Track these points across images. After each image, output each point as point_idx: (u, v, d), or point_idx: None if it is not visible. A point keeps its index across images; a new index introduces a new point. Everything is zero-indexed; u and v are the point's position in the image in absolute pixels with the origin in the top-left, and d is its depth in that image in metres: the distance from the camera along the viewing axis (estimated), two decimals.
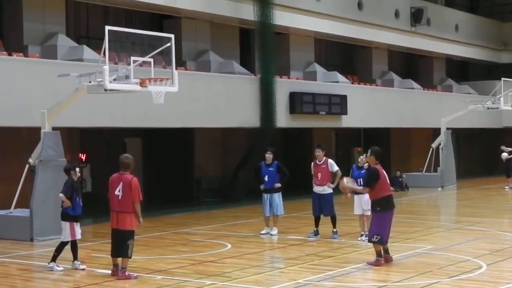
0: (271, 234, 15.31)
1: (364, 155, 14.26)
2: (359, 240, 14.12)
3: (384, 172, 11.72)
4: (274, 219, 15.47)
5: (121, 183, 10.73)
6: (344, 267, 11.49)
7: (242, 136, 24.86)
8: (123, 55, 14.07)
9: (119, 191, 10.72)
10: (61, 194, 11.60)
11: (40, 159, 15.15)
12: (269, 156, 15.27)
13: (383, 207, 11.48)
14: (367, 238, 14.00)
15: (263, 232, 15.45)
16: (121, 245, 10.73)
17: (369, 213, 13.72)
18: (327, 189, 14.68)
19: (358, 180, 14.05)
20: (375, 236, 11.48)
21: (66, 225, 11.60)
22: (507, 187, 27.30)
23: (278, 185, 15.24)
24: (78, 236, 11.62)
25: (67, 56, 19.00)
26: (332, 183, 14.75)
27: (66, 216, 11.60)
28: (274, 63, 23.65)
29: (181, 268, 11.61)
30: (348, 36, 29.07)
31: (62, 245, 11.64)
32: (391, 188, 12.05)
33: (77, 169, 11.78)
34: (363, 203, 14.02)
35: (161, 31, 20.34)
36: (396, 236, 14.52)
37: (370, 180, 11.61)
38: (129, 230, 10.76)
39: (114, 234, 10.86)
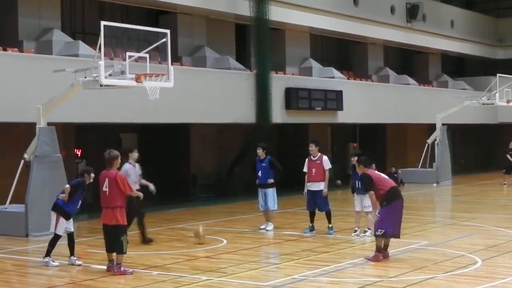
0: (267, 230, 15.33)
1: (356, 158, 14.26)
2: (352, 236, 14.13)
3: (376, 172, 12.03)
4: (269, 214, 15.49)
5: (107, 179, 10.76)
6: (340, 262, 11.51)
7: (238, 132, 24.85)
8: (118, 50, 14.04)
9: (105, 187, 10.76)
10: (67, 186, 11.59)
11: (36, 155, 15.13)
12: (259, 151, 15.32)
13: (387, 201, 11.53)
14: (366, 234, 14.08)
15: (262, 227, 15.56)
16: (114, 241, 10.74)
17: (369, 209, 13.74)
18: (321, 185, 14.67)
19: (358, 182, 14.02)
20: (379, 230, 11.48)
21: (53, 216, 11.58)
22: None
23: (271, 180, 15.27)
24: (60, 232, 11.54)
25: (63, 51, 18.96)
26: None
27: (57, 207, 11.58)
28: (269, 58, 23.64)
29: (177, 264, 11.61)
30: (344, 32, 29.07)
31: (55, 239, 11.60)
32: (392, 182, 12.01)
33: (92, 174, 11.72)
34: (364, 199, 13.99)
35: (157, 26, 20.29)
36: None
37: (367, 185, 11.83)
38: (120, 225, 10.74)
39: (105, 230, 10.89)
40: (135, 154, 13.70)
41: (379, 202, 11.64)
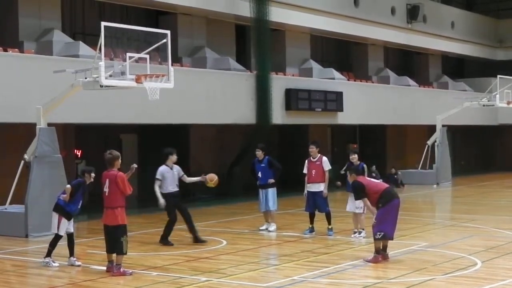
0: (269, 230, 15.34)
1: (355, 155, 14.42)
2: (352, 237, 14.14)
3: (367, 179, 12.21)
4: (270, 215, 15.51)
5: (107, 179, 10.78)
6: (339, 263, 11.50)
7: (238, 132, 24.85)
8: (119, 51, 14.05)
9: (106, 187, 10.79)
10: (68, 186, 11.61)
11: (35, 155, 15.13)
12: (258, 153, 15.36)
13: (383, 203, 11.54)
14: (360, 235, 14.10)
15: (262, 228, 15.53)
16: (114, 242, 10.75)
17: (361, 210, 13.74)
18: (321, 186, 14.68)
19: None
20: (378, 233, 11.47)
21: (55, 217, 11.58)
22: None
23: (272, 180, 15.29)
24: (62, 232, 11.56)
25: (63, 52, 18.96)
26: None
27: (58, 208, 11.58)
28: (270, 59, 23.65)
29: (176, 265, 11.61)
30: (344, 33, 29.08)
31: (56, 239, 11.61)
32: (384, 184, 12.15)
33: (92, 174, 11.72)
34: (356, 201, 13.98)
35: (157, 27, 20.32)
36: None
37: (359, 193, 11.87)
38: (120, 225, 10.73)
39: (105, 230, 10.91)
40: (174, 157, 13.73)
41: (376, 206, 11.64)
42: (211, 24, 24.77)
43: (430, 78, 35.95)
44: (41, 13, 19.84)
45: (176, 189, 13.64)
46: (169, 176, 13.55)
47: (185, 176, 13.82)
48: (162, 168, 13.60)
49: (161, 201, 13.42)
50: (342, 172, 14.29)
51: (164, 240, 13.63)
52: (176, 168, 13.72)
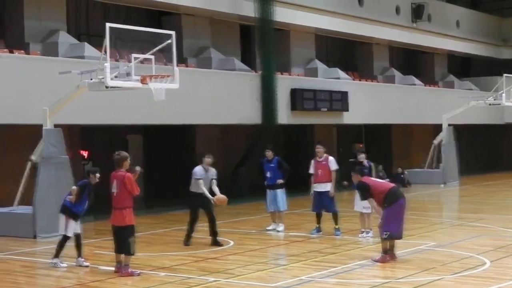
0: (278, 231, 15.33)
1: (363, 154, 14.47)
2: (359, 237, 14.10)
3: (372, 179, 12.28)
4: (279, 215, 15.49)
5: (115, 180, 10.78)
6: (347, 263, 11.48)
7: (243, 132, 24.82)
8: (124, 52, 14.04)
9: (114, 188, 10.79)
10: (74, 187, 11.61)
11: (43, 156, 15.14)
12: (268, 153, 15.35)
13: (388, 202, 11.50)
14: (368, 235, 14.07)
15: (269, 228, 15.51)
16: (122, 242, 10.75)
17: (369, 210, 13.69)
18: (327, 186, 14.65)
19: None
20: (385, 233, 11.47)
21: (62, 218, 11.60)
22: None
23: (280, 181, 15.27)
24: (70, 233, 11.57)
25: (68, 53, 18.98)
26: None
27: (65, 209, 11.60)
28: (274, 59, 23.62)
29: (184, 265, 11.61)
30: (349, 33, 29.05)
31: (64, 240, 11.62)
32: (390, 184, 12.14)
33: (97, 174, 11.72)
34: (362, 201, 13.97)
35: (160, 27, 20.30)
36: None
37: (364, 193, 11.85)
38: (128, 225, 10.74)
39: (113, 231, 10.92)
40: (208, 159, 13.78)
41: (381, 206, 11.61)
42: (216, 24, 24.76)
43: (435, 77, 35.87)
44: (46, 15, 19.86)
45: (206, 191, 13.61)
46: (204, 177, 13.56)
47: (214, 182, 13.75)
48: (198, 168, 13.68)
49: (216, 195, 13.45)
50: (351, 160, 14.37)
51: (186, 240, 13.62)
52: (212, 171, 13.77)
